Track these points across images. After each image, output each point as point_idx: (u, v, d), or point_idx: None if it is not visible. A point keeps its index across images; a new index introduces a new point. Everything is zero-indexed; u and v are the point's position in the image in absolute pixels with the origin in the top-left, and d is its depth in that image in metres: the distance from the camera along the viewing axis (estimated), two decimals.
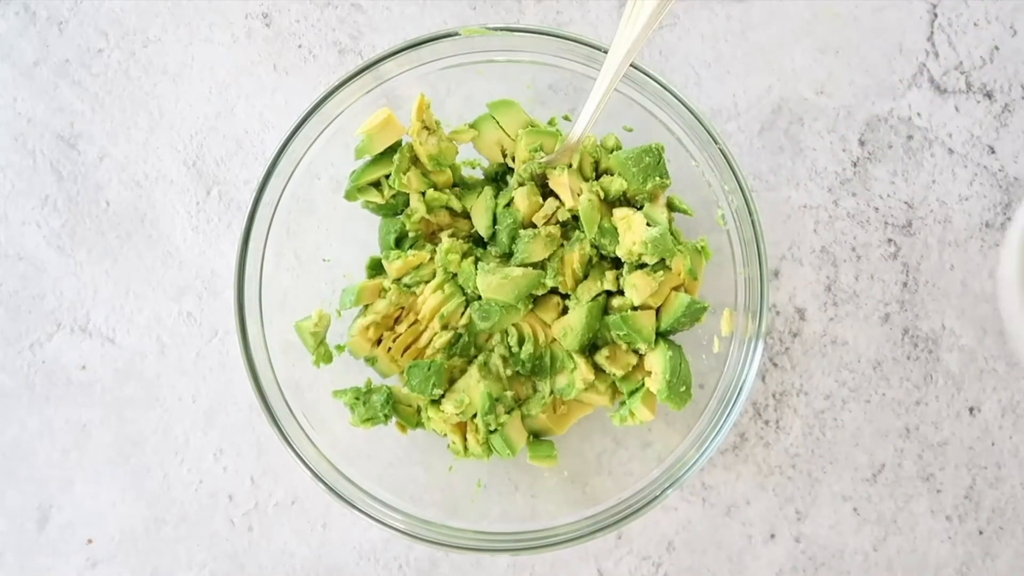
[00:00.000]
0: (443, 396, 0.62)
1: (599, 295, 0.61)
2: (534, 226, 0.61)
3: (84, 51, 0.70)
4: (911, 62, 0.70)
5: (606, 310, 0.62)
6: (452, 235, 0.63)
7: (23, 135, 0.70)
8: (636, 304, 0.60)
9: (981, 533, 0.68)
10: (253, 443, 0.68)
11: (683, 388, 0.59)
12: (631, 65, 0.56)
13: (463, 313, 0.62)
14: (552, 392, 0.63)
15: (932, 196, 0.69)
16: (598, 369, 0.62)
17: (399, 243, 0.63)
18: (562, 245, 0.61)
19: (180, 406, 0.68)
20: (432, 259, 0.62)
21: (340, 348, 0.63)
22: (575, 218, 0.61)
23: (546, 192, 0.62)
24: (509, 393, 0.62)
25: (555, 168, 0.60)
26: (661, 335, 0.61)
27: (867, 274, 0.69)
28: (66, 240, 0.69)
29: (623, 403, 0.62)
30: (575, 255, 0.60)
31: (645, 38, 0.54)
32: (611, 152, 0.61)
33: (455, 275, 0.62)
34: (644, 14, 0.53)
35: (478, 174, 0.66)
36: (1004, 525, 0.68)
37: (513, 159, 0.63)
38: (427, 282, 0.62)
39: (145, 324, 0.69)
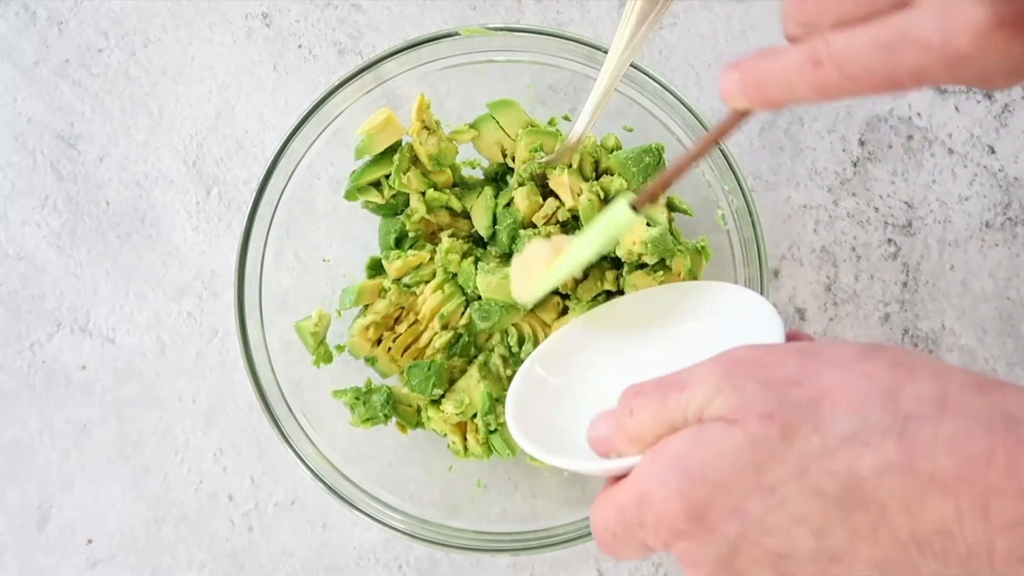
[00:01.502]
0: (443, 396, 0.62)
1: (599, 295, 0.61)
2: (534, 226, 0.61)
3: (84, 51, 0.70)
4: None
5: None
6: (452, 235, 0.63)
7: (23, 135, 0.70)
8: None
9: None
10: (253, 443, 0.68)
11: None
12: (631, 65, 0.56)
13: (463, 313, 0.62)
14: None
15: (932, 196, 0.69)
16: None
17: (399, 243, 0.63)
18: None
19: (180, 406, 0.68)
20: (432, 259, 0.62)
21: (340, 348, 0.63)
22: (575, 218, 0.61)
23: (546, 192, 0.62)
24: None
25: (555, 168, 0.60)
26: None
27: (867, 274, 0.69)
28: (66, 240, 0.69)
29: None
30: None
31: (645, 38, 0.54)
32: (611, 152, 0.61)
33: (455, 275, 0.62)
34: (644, 14, 0.53)
35: (478, 174, 0.66)
36: None
37: (513, 159, 0.63)
38: (427, 282, 0.62)
39: (145, 324, 0.69)
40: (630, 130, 0.63)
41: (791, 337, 0.44)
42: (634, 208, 0.44)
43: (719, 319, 0.50)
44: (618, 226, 0.46)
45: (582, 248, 0.48)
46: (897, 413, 0.33)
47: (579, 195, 0.60)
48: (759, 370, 0.36)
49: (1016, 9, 0.30)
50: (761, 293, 0.59)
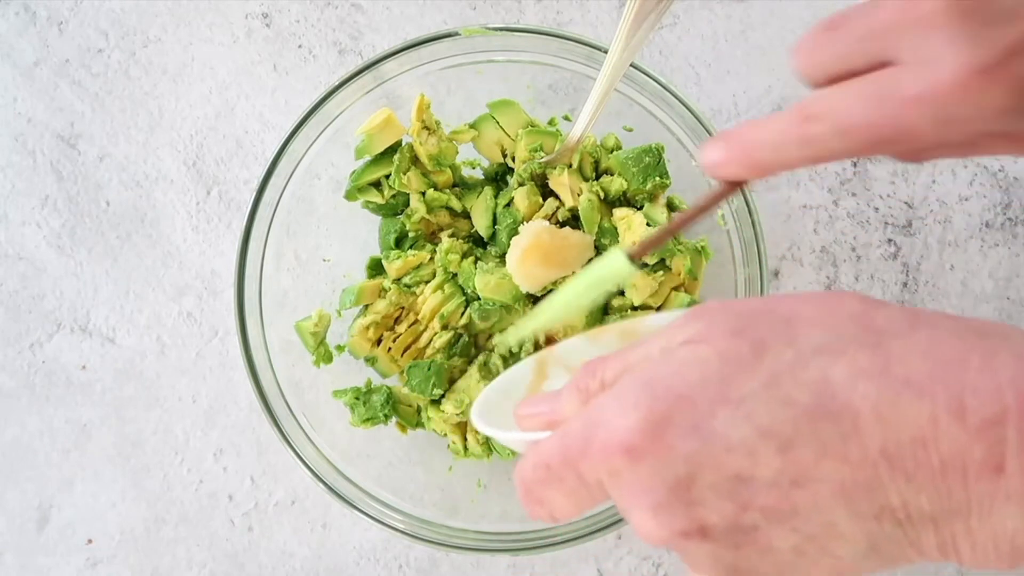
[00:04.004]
0: (443, 396, 0.62)
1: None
2: None
3: (84, 51, 0.70)
4: None
5: (606, 310, 0.62)
6: (452, 235, 0.63)
7: (23, 135, 0.70)
8: (636, 304, 0.60)
9: None
10: (253, 443, 0.68)
11: None
12: (631, 65, 0.56)
13: (463, 313, 0.62)
14: None
15: (932, 196, 0.69)
16: None
17: (399, 243, 0.63)
18: None
19: (180, 406, 0.68)
20: (432, 259, 0.62)
21: (340, 348, 0.63)
22: (575, 218, 0.61)
23: (546, 192, 0.62)
24: None
25: (555, 168, 0.60)
26: None
27: (867, 274, 0.69)
28: (66, 240, 0.69)
29: None
30: None
31: (645, 38, 0.54)
32: (611, 152, 0.61)
33: (455, 275, 0.62)
34: (644, 14, 0.53)
35: (478, 174, 0.66)
36: None
37: (513, 159, 0.63)
38: (427, 282, 0.62)
39: (145, 324, 0.69)
40: (630, 130, 0.63)
41: None
42: (631, 259, 0.43)
43: None
44: (612, 276, 0.44)
45: (572, 296, 0.47)
46: (871, 329, 0.33)
47: (579, 195, 0.60)
48: (725, 307, 0.36)
49: (990, 55, 0.31)
50: (761, 293, 0.59)
